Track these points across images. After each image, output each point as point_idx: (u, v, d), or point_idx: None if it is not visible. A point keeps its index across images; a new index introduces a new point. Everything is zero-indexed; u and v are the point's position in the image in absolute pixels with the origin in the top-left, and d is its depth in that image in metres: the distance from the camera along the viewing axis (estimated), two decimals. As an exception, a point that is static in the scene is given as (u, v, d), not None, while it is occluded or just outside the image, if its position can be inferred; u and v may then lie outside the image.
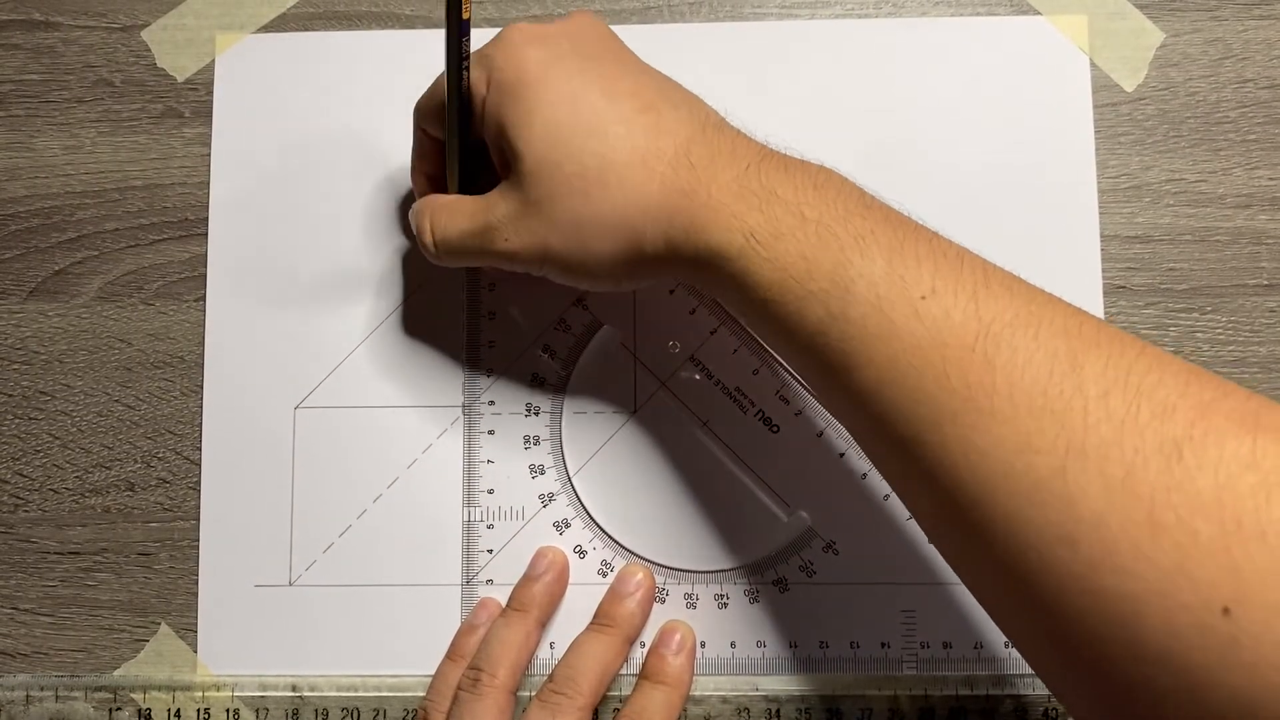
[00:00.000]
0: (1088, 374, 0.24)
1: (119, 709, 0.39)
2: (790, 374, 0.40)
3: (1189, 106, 0.41)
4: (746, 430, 0.40)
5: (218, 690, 0.39)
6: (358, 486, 0.40)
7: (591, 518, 0.40)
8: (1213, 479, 0.22)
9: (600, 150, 0.31)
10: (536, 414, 0.40)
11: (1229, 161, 0.41)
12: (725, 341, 0.40)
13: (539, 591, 0.38)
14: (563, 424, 0.40)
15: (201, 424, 0.41)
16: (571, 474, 0.40)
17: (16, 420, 0.41)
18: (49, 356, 0.41)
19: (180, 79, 0.42)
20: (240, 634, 0.40)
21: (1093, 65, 0.41)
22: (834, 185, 0.30)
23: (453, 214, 0.35)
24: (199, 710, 0.39)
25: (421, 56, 0.41)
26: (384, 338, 0.41)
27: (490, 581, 0.40)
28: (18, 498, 0.41)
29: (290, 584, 0.40)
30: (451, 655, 0.38)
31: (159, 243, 0.42)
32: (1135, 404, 0.24)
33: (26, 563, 0.41)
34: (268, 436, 0.40)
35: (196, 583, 0.40)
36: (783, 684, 0.39)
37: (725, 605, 0.39)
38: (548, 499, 0.40)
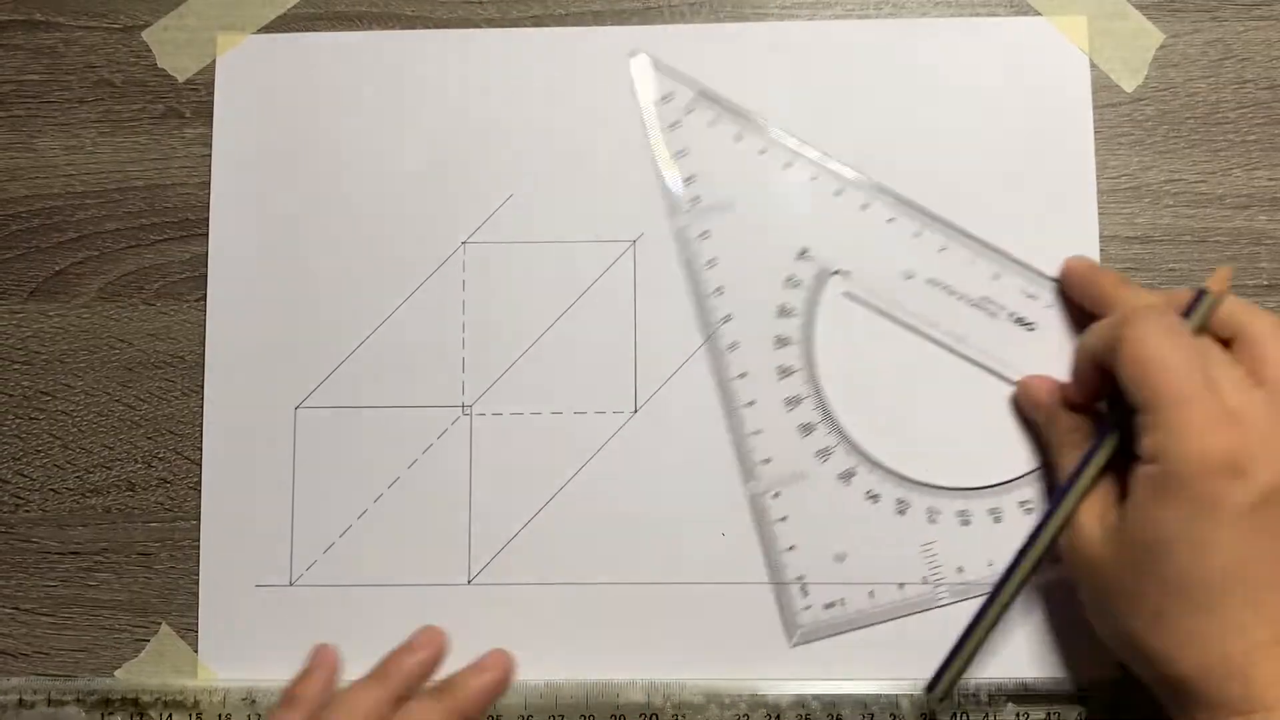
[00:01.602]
0: None
1: (115, 711, 0.39)
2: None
3: (1189, 107, 0.41)
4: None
5: (218, 690, 0.39)
6: (358, 486, 0.40)
7: (591, 518, 0.40)
8: None
9: (1185, 587, 0.31)
10: (536, 414, 0.40)
11: (1228, 162, 0.41)
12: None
13: (411, 666, 0.37)
14: (562, 424, 0.40)
15: (202, 424, 0.41)
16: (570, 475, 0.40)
17: (17, 420, 0.41)
18: (49, 357, 0.41)
19: (181, 79, 0.42)
20: (241, 634, 0.40)
21: (1093, 66, 0.41)
22: None
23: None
24: (199, 710, 0.39)
25: (422, 57, 0.41)
26: (385, 337, 0.41)
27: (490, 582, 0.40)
28: (18, 498, 0.41)
29: (291, 584, 0.40)
30: (284, 702, 0.36)
31: (160, 243, 0.42)
32: None
33: (27, 563, 0.41)
34: (268, 436, 0.40)
35: (197, 583, 0.40)
36: (782, 684, 0.39)
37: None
38: (547, 499, 0.40)
